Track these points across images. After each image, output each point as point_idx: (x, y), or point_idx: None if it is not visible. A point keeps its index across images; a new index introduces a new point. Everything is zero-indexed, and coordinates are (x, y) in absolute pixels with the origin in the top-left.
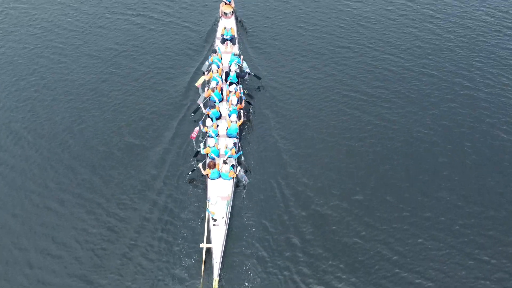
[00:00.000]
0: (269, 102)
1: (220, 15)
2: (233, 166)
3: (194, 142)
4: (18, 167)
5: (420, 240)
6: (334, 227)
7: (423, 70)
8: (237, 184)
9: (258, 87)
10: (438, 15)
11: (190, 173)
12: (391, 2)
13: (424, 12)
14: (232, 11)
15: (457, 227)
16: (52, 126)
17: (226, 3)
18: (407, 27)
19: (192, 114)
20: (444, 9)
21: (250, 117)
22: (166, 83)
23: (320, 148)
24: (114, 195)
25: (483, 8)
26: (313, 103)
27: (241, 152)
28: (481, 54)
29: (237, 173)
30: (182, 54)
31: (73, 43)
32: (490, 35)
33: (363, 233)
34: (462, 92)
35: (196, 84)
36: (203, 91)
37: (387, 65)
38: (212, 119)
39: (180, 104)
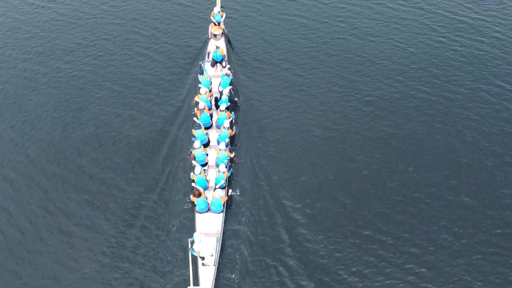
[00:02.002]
0: (258, 122)
1: (210, 37)
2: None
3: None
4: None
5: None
6: (331, 268)
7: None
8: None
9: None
10: None
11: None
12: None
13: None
14: (222, 33)
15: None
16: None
17: (215, 24)
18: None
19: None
20: None
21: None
22: (153, 108)
23: (315, 174)
24: (100, 228)
25: None
26: (306, 124)
27: (231, 170)
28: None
29: (229, 194)
30: (168, 79)
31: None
32: None
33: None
34: None
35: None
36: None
37: (380, 83)
38: (199, 142)
39: (167, 131)
